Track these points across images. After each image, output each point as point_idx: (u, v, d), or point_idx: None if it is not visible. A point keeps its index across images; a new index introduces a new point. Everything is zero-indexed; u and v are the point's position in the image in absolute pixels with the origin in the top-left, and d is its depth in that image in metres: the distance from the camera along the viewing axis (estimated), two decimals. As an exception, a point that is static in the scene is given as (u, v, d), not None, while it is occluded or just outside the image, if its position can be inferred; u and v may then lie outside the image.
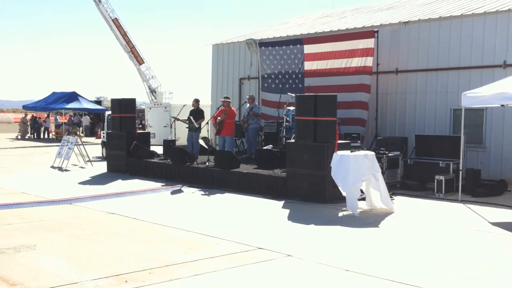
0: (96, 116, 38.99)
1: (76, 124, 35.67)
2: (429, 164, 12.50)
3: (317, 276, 5.95)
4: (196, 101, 15.38)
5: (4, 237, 7.55)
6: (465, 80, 13.46)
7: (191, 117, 14.90)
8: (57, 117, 36.23)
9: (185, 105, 17.12)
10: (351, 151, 9.95)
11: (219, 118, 14.37)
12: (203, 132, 15.98)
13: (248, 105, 15.90)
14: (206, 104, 20.01)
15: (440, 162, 12.29)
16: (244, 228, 8.37)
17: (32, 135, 34.83)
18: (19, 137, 33.66)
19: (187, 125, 15.20)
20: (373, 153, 10.14)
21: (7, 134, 35.65)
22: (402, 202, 10.61)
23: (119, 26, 33.89)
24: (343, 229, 8.34)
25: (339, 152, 9.86)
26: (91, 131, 37.98)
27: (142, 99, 38.25)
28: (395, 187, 12.05)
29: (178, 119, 15.65)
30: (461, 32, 13.76)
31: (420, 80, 14.51)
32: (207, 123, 15.97)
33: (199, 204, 10.70)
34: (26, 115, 36.28)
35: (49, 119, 36.47)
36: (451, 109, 13.86)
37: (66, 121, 35.96)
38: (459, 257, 6.80)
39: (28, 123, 35.17)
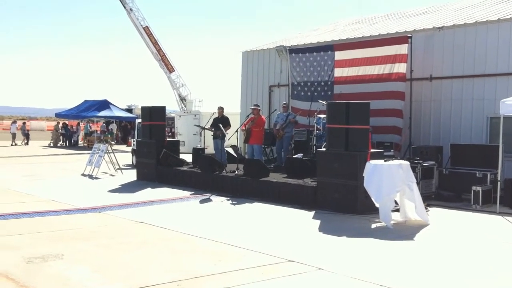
0: (121, 124, 39.32)
1: (108, 132, 36.07)
2: (465, 174, 12.07)
3: (351, 291, 5.70)
4: (221, 109, 15.26)
5: (33, 245, 7.52)
6: (503, 87, 12.98)
7: (220, 125, 14.74)
8: (88, 125, 36.74)
9: (214, 113, 17.07)
10: (385, 161, 9.66)
11: (247, 126, 14.22)
12: (232, 140, 15.81)
13: (280, 112, 15.66)
14: (235, 112, 19.91)
15: (477, 172, 11.85)
16: (274, 239, 8.16)
17: (64, 143, 35.40)
18: (52, 144, 34.23)
19: (212, 133, 15.09)
20: (407, 162, 9.82)
21: (40, 141, 36.29)
22: (438, 214, 10.24)
23: (150, 34, 34.14)
24: (376, 241, 8.05)
25: (372, 162, 9.58)
26: (122, 139, 38.34)
27: (172, 107, 38.43)
28: (430, 198, 11.67)
29: (203, 128, 15.53)
30: (499, 37, 13.28)
31: (455, 87, 14.08)
32: (236, 131, 15.80)
33: (228, 214, 10.54)
34: (58, 123, 36.89)
35: (79, 126, 36.97)
36: (487, 117, 13.38)
37: (98, 129, 36.42)
38: (500, 274, 6.45)
39: (60, 131, 35.76)
